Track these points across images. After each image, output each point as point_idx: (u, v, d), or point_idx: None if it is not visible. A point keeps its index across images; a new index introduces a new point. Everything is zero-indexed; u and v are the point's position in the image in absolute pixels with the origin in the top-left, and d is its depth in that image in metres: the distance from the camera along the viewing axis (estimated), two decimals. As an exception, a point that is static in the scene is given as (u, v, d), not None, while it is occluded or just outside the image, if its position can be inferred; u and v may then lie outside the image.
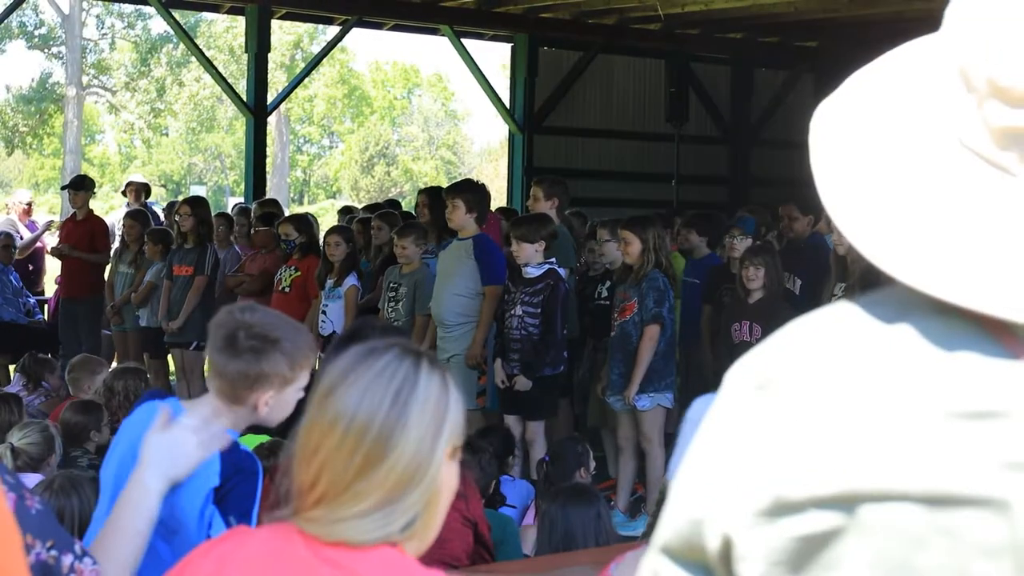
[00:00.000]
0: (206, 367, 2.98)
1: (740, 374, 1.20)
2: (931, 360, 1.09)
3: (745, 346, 7.58)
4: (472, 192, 8.30)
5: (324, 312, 9.09)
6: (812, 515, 1.11)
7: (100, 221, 11.83)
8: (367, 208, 12.43)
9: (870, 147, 1.15)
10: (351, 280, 9.10)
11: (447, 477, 1.89)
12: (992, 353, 1.08)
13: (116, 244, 11.58)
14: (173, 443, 2.66)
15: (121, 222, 11.71)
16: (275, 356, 2.82)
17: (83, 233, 11.35)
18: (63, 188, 14.37)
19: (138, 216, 11.22)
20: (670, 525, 1.23)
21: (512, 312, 7.72)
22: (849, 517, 1.09)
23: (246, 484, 2.82)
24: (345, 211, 13.03)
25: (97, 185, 14.01)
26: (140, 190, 12.97)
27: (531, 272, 7.68)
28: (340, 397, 1.85)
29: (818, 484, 1.10)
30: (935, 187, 1.11)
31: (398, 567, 1.84)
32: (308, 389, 2.00)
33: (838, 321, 1.17)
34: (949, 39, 1.13)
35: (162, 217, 13.62)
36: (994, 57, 1.08)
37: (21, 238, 12.52)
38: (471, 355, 7.92)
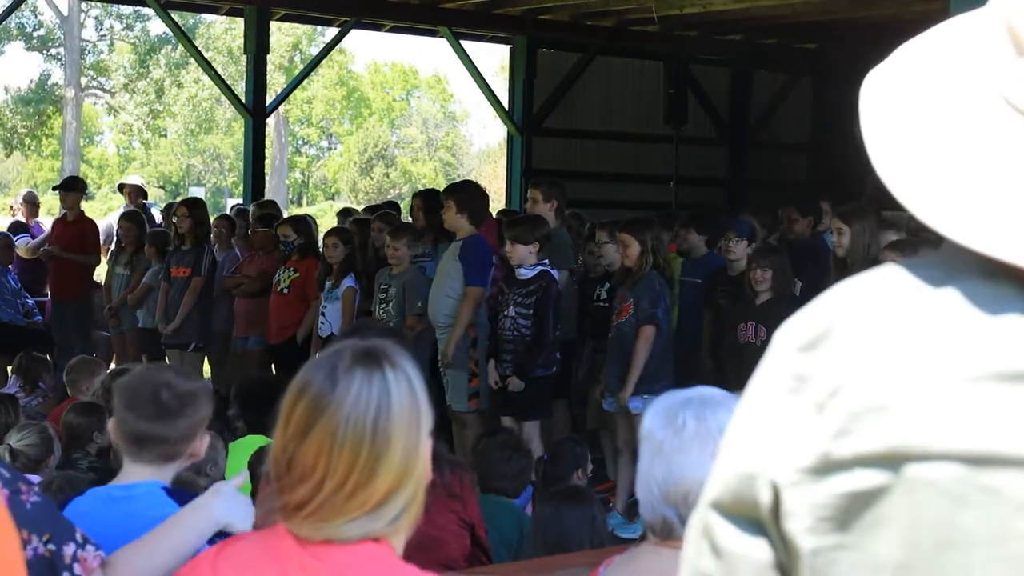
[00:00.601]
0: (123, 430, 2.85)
1: (788, 333, 1.22)
2: (977, 322, 1.10)
3: (751, 347, 7.61)
4: (462, 192, 8.29)
5: (323, 314, 9.10)
6: (858, 473, 1.12)
7: (90, 222, 11.82)
8: (366, 209, 12.40)
9: (919, 110, 1.16)
10: (348, 282, 9.10)
11: (427, 458, 1.95)
12: None
13: (114, 246, 11.57)
14: (249, 501, 2.64)
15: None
16: (205, 399, 2.87)
17: (73, 234, 11.34)
18: (54, 189, 14.36)
19: (133, 217, 11.21)
20: (720, 480, 1.24)
21: (505, 313, 7.73)
22: (895, 476, 1.10)
23: None
24: (345, 213, 12.99)
25: (96, 187, 13.99)
26: (134, 192, 12.96)
27: (524, 274, 7.68)
28: (323, 427, 1.88)
29: (864, 442, 1.11)
30: (983, 147, 1.12)
31: (376, 562, 1.90)
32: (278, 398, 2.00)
33: (886, 284, 1.18)
34: (998, 1, 1.14)
35: (159, 219, 13.60)
36: None
37: (32, 238, 12.51)
38: (444, 355, 7.93)
